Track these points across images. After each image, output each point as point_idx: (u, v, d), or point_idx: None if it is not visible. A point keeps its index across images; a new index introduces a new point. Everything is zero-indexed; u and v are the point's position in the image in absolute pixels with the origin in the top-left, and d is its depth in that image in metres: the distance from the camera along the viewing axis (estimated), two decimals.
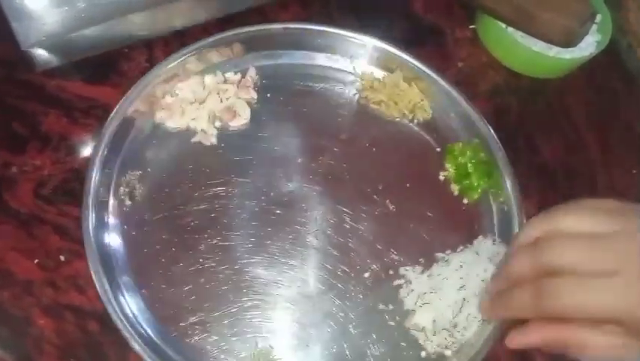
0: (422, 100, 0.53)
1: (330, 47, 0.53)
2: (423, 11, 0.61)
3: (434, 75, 0.53)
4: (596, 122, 0.58)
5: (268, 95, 0.51)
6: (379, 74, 0.54)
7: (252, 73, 0.52)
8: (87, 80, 0.50)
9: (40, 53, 0.44)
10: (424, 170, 0.51)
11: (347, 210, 0.48)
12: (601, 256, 0.34)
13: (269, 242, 0.45)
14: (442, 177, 0.51)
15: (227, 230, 0.45)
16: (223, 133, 0.49)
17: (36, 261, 0.43)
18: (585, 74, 0.59)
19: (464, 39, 0.60)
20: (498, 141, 0.51)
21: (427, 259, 0.46)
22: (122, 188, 0.46)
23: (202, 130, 0.49)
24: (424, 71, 0.53)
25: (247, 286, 0.44)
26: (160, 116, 0.48)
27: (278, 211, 0.47)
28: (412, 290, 0.44)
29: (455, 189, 0.50)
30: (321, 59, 0.54)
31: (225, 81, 0.51)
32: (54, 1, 0.42)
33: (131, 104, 0.47)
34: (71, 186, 0.45)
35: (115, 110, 0.46)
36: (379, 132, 0.52)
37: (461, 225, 0.49)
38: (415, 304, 0.44)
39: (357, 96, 0.53)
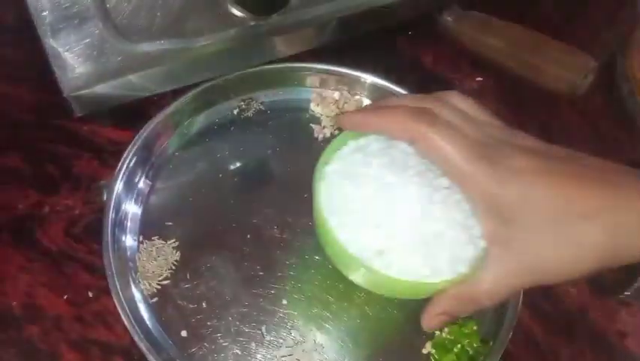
0: None
1: None
2: (432, 64, 0.64)
3: None
4: None
5: None
6: None
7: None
8: (118, 125, 0.53)
9: (79, 100, 0.47)
10: None
11: None
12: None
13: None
14: None
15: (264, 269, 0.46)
16: None
17: (65, 297, 0.44)
18: (587, 121, 0.62)
19: (471, 90, 0.63)
20: None
21: None
22: None
23: None
24: None
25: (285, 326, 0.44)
26: None
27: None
28: None
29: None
30: None
31: None
32: (94, 53, 0.45)
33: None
34: (101, 226, 0.47)
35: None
36: None
37: None
38: None
39: None
